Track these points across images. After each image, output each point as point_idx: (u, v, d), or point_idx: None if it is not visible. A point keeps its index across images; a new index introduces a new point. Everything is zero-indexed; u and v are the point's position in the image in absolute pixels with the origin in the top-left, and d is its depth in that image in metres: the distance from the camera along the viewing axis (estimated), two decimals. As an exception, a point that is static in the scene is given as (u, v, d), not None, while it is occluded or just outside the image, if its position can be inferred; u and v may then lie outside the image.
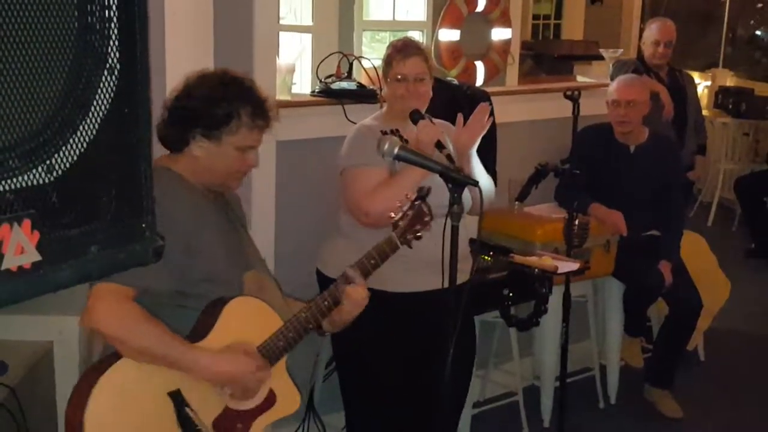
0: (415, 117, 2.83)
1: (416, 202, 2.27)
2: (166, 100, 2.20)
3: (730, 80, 8.18)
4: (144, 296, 2.04)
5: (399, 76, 2.91)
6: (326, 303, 2.25)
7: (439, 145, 2.70)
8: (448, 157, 2.64)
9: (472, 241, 2.90)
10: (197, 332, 2.11)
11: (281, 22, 4.33)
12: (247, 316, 2.17)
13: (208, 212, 2.21)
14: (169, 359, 2.03)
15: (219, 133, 2.15)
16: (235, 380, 2.11)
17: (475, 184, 2.22)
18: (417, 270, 2.83)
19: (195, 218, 2.12)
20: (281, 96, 3.28)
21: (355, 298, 2.28)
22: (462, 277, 2.27)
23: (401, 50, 2.94)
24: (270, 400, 2.22)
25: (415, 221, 2.29)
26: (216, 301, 2.13)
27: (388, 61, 2.97)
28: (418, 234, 2.31)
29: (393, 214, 2.29)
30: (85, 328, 2.27)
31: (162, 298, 2.08)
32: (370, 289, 2.80)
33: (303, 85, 4.00)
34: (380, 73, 3.08)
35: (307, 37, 4.52)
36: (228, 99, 2.15)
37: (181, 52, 2.82)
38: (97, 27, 0.99)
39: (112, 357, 2.03)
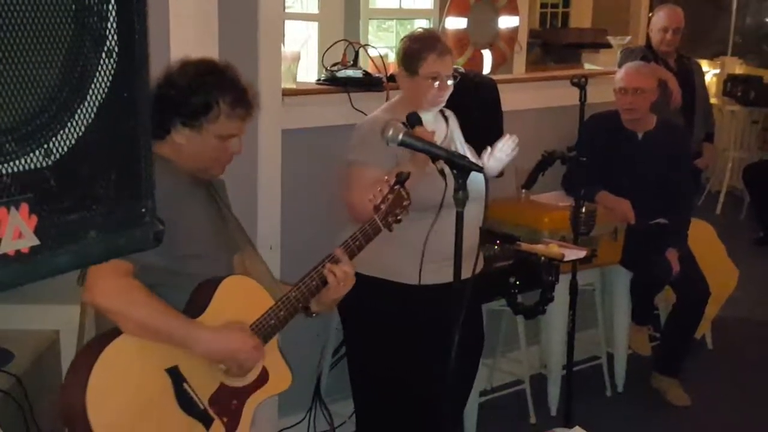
0: (413, 120, 2.67)
1: (395, 187, 2.34)
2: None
3: (739, 68, 8.11)
4: (140, 275, 2.06)
5: (434, 75, 2.81)
6: (314, 282, 2.27)
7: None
8: (441, 172, 2.34)
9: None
10: (192, 310, 2.14)
11: (287, 10, 4.32)
12: (240, 294, 2.21)
13: (192, 192, 2.24)
14: (170, 333, 2.06)
15: (199, 122, 2.19)
16: (232, 357, 2.15)
17: (480, 170, 2.21)
18: (428, 261, 2.82)
19: (175, 195, 2.14)
20: (286, 84, 3.27)
21: (340, 276, 2.28)
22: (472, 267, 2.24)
23: (434, 47, 2.81)
24: (263, 378, 2.27)
25: (395, 205, 2.35)
26: (209, 280, 2.17)
27: (417, 55, 2.83)
28: (398, 218, 2.36)
29: (374, 196, 2.33)
30: (87, 315, 2.28)
31: (156, 276, 2.10)
32: (380, 279, 2.79)
33: (309, 73, 3.99)
34: (394, 63, 2.96)
35: (314, 26, 4.51)
36: (206, 88, 2.18)
37: (186, 41, 2.81)
38: (95, 8, 0.97)
39: (108, 335, 2.04)
